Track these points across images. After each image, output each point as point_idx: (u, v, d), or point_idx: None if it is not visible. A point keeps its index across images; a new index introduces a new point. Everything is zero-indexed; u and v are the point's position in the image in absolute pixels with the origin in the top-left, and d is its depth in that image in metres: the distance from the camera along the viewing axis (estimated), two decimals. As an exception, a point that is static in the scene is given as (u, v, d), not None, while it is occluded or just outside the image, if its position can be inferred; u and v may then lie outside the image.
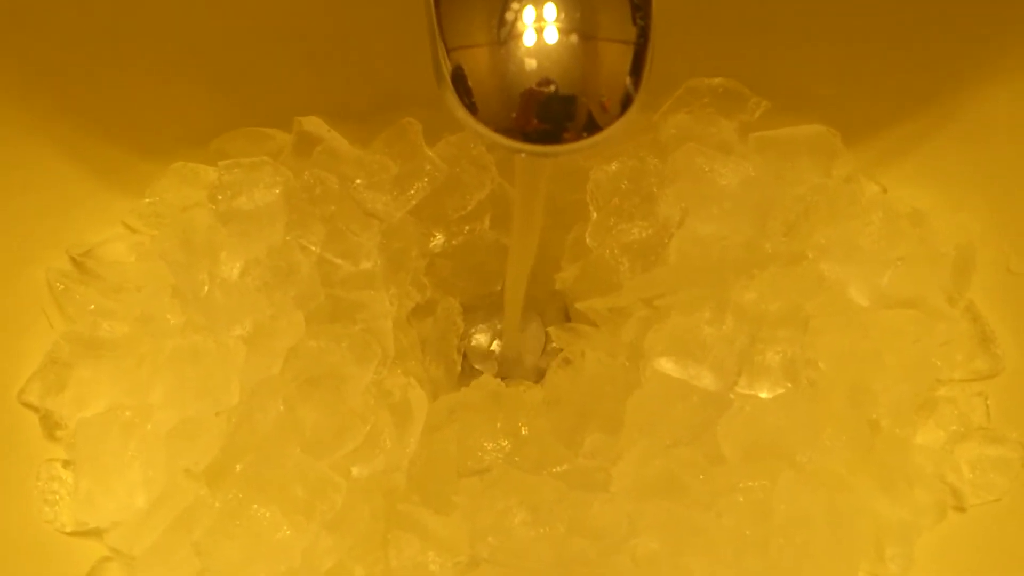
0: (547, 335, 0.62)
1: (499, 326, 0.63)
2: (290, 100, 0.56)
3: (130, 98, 0.56)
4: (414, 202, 0.56)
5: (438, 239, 0.58)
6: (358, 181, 0.56)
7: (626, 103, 0.37)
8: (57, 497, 0.54)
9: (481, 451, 0.53)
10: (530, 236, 0.48)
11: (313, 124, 0.57)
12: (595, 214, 0.57)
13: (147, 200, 0.58)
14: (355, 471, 0.54)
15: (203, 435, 0.53)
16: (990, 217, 0.57)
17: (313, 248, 0.56)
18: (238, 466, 0.53)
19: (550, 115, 0.36)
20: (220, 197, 0.57)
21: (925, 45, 0.55)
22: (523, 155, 0.38)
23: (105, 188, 0.58)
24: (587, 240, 0.57)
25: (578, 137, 0.36)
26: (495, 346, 0.63)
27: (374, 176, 0.56)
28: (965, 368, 0.57)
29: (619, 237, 0.56)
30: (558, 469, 0.53)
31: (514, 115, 0.36)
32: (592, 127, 0.36)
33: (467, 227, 0.58)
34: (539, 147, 0.37)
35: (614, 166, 0.57)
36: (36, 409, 0.54)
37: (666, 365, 0.54)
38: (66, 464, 0.54)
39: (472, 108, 0.37)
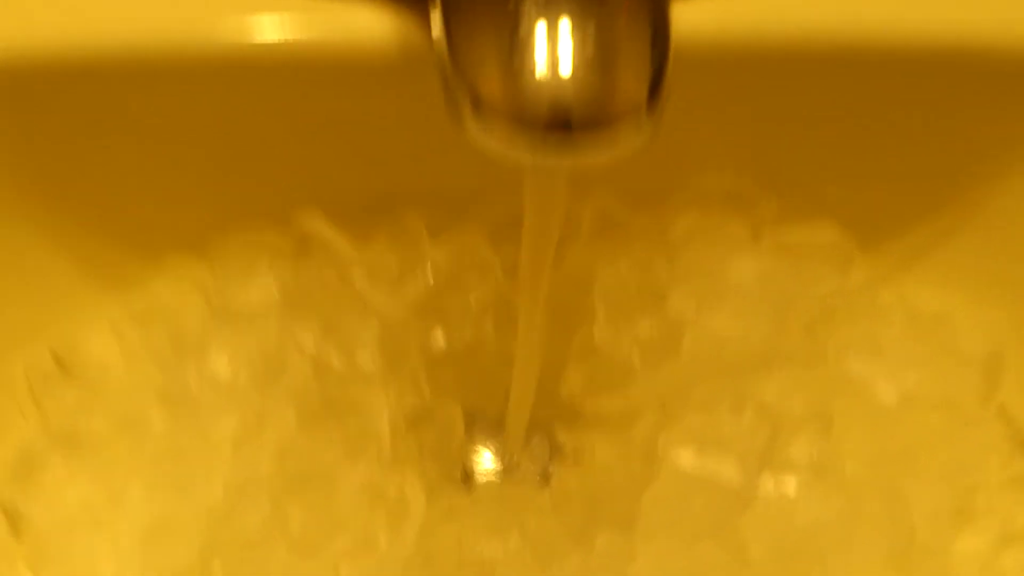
0: (551, 449, 0.58)
1: (502, 441, 0.58)
2: (289, 197, 0.54)
3: (124, 194, 0.53)
4: (414, 296, 0.53)
5: (439, 339, 0.54)
6: (357, 277, 0.53)
7: (641, 119, 0.35)
8: (18, 605, 0.48)
9: (484, 548, 0.48)
10: (539, 289, 0.45)
11: (312, 220, 0.54)
12: (602, 313, 0.54)
13: (137, 298, 0.54)
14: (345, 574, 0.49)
15: (182, 535, 0.48)
16: (1018, 315, 0.54)
17: (308, 345, 0.52)
18: (218, 569, 0.48)
19: (567, 126, 0.35)
20: (213, 294, 0.54)
21: (940, 140, 0.53)
22: (540, 171, 0.37)
23: (95, 285, 0.54)
24: (595, 337, 0.54)
25: (595, 146, 0.35)
26: (497, 461, 0.58)
27: (374, 272, 0.53)
28: (1002, 473, 0.52)
29: (629, 332, 0.53)
30: (569, 567, 0.47)
31: (533, 132, 0.34)
32: (610, 141, 0.35)
33: (469, 329, 0.55)
34: (558, 157, 0.35)
35: (622, 265, 0.55)
36: (3, 507, 0.49)
37: (684, 457, 0.49)
38: (30, 567, 0.48)
39: (490, 130, 0.35)
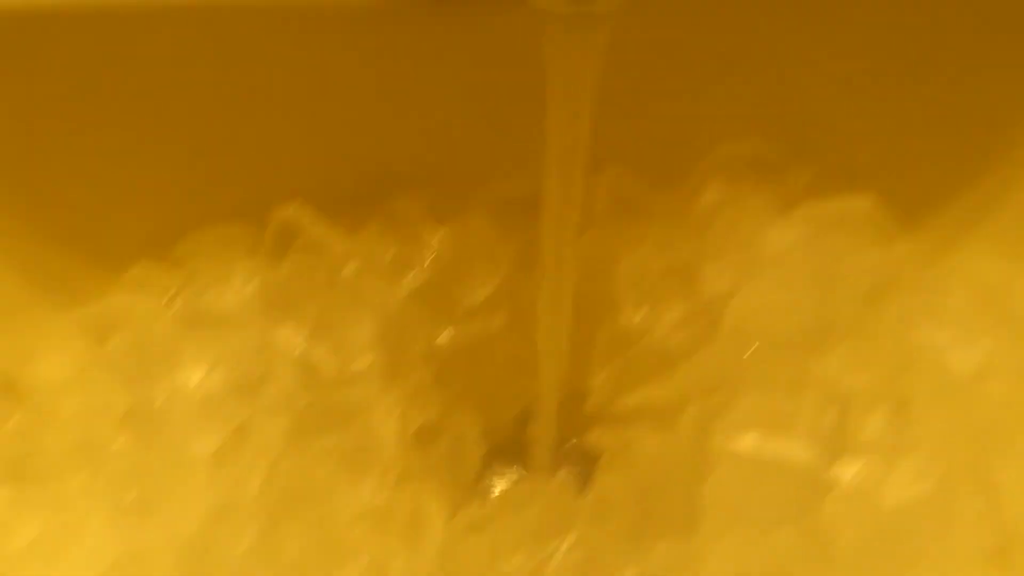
0: (588, 456, 0.47)
1: (527, 452, 0.47)
2: (264, 189, 0.44)
3: (78, 196, 0.44)
4: (414, 289, 0.44)
5: (444, 338, 0.45)
6: (348, 269, 0.44)
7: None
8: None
9: (520, 565, 0.37)
10: (565, 271, 0.36)
11: (293, 213, 0.44)
12: (630, 300, 0.45)
13: (94, 311, 0.44)
14: (354, 612, 0.38)
15: (152, 573, 0.38)
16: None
17: (295, 348, 0.43)
18: (196, 614, 0.37)
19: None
20: (182, 301, 0.44)
21: (970, 98, 0.46)
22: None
23: (45, 299, 0.44)
24: (624, 327, 0.44)
25: None
26: (524, 474, 0.47)
27: (367, 263, 0.44)
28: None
29: (661, 318, 0.45)
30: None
31: None
32: None
33: (477, 325, 0.45)
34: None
35: (645, 246, 0.46)
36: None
37: (744, 444, 0.40)
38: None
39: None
